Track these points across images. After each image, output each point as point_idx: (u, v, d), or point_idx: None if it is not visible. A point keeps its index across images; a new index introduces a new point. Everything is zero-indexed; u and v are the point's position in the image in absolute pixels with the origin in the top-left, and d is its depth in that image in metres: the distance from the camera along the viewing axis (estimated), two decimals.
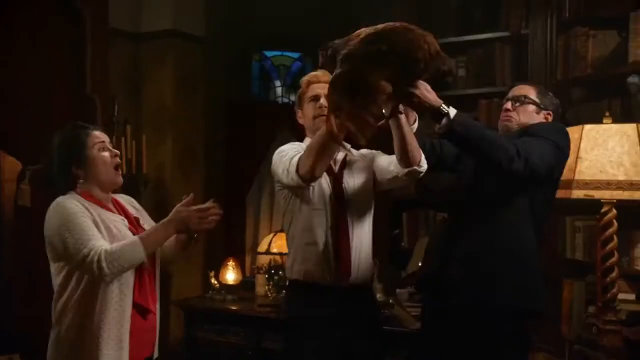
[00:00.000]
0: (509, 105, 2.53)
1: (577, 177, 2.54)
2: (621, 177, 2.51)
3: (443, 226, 2.58)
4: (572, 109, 3.55)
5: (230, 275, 3.75)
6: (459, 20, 4.06)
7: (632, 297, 2.94)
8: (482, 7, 4.01)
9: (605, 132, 2.58)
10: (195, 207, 2.13)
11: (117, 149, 3.66)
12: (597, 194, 2.55)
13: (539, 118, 2.49)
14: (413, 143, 2.24)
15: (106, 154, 2.19)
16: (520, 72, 3.79)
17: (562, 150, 2.37)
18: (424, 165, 2.31)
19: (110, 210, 2.22)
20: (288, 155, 2.36)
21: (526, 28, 3.72)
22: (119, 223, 2.18)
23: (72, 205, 2.10)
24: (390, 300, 3.12)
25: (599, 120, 2.76)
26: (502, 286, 2.33)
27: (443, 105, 2.15)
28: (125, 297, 2.12)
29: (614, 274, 2.66)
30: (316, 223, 2.40)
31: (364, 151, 2.53)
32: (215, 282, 3.67)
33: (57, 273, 2.16)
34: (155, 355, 2.29)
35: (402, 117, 2.18)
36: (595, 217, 2.74)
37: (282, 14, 4.44)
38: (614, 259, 2.65)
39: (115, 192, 2.32)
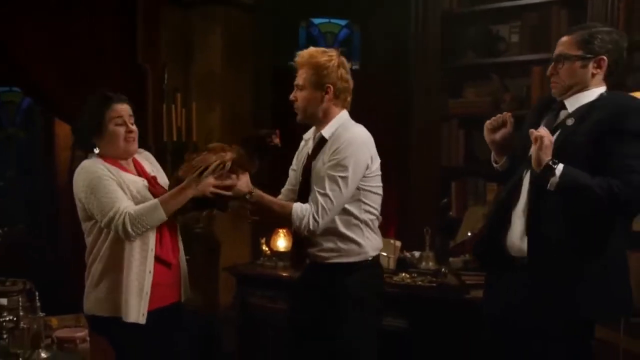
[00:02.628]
0: (551, 68, 2.29)
1: None
2: None
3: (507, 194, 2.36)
4: (634, 75, 3.42)
5: (282, 242, 3.76)
6: None
7: None
8: None
9: None
10: (210, 177, 2.23)
11: (168, 117, 3.79)
12: None
13: (588, 72, 2.22)
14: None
15: (121, 129, 2.32)
16: None
17: None
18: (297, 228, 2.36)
19: (131, 172, 2.35)
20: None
21: None
22: (139, 184, 2.32)
23: (96, 168, 2.25)
24: (443, 269, 3.09)
25: None
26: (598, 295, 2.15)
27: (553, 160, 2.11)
28: (147, 252, 2.26)
29: None
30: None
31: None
32: (267, 249, 3.70)
33: (88, 232, 2.36)
34: (183, 298, 2.46)
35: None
36: None
37: None
38: None
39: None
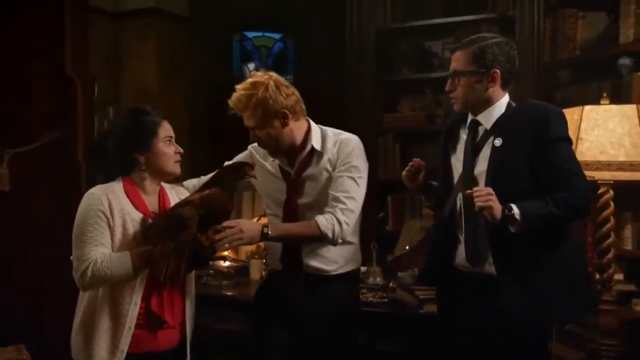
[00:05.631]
0: (449, 85, 2.29)
1: (578, 158, 2.49)
2: (622, 158, 2.51)
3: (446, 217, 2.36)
4: (560, 91, 3.57)
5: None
6: (445, 1, 4.04)
7: (620, 277, 2.98)
8: None
9: (606, 113, 2.57)
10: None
11: (99, 132, 3.62)
12: (598, 175, 2.54)
13: (484, 85, 2.23)
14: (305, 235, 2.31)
15: (172, 148, 2.17)
16: None
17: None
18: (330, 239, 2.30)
19: (142, 210, 2.13)
20: None
21: (513, 9, 3.73)
22: (140, 225, 2.11)
23: (95, 201, 2.05)
24: (391, 284, 3.08)
25: (588, 103, 2.75)
26: (558, 302, 2.18)
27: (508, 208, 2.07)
28: (129, 306, 2.05)
29: (610, 255, 2.67)
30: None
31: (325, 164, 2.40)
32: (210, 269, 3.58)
33: None
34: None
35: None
36: None
37: None
38: (610, 240, 2.67)
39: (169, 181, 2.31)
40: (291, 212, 2.39)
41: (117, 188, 2.11)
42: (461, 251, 2.30)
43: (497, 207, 2.06)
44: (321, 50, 4.55)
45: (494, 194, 2.06)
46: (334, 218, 2.27)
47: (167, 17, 3.98)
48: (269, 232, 2.21)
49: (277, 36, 4.88)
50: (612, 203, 2.66)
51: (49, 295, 3.25)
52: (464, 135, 2.34)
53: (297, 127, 2.38)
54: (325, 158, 2.39)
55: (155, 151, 2.13)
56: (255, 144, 2.49)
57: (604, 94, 2.74)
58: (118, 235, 2.06)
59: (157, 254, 2.00)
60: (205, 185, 2.20)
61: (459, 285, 2.31)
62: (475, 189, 2.11)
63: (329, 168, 2.38)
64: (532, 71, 3.56)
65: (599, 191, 2.66)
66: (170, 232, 2.02)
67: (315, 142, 2.39)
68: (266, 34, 4.85)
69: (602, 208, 2.66)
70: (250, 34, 4.82)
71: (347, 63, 4.13)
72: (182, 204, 2.11)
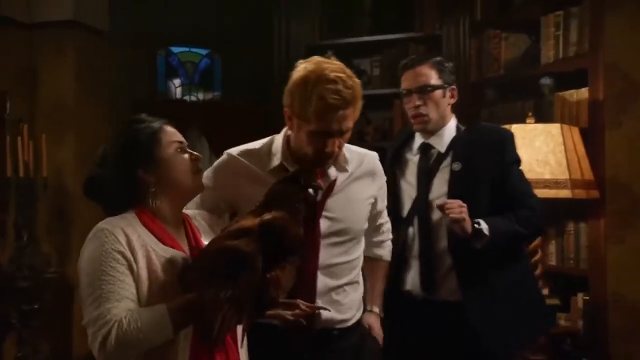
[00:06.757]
0: (416, 100, 2.14)
1: None
2: (547, 176, 2.57)
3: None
4: (486, 110, 3.64)
5: None
6: (373, 20, 4.07)
7: (545, 292, 3.03)
8: (396, 8, 4.05)
9: (531, 132, 2.62)
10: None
11: (12, 150, 3.39)
12: None
13: (446, 101, 2.16)
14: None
15: (186, 156, 1.64)
16: None
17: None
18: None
19: (170, 243, 1.59)
20: None
21: (440, 29, 3.79)
22: (172, 265, 1.56)
23: (108, 239, 1.51)
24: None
25: (513, 120, 2.79)
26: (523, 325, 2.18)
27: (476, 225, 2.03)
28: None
29: (538, 271, 2.72)
30: None
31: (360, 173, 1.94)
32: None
33: None
34: None
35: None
36: None
37: (190, 7, 4.25)
38: (537, 257, 2.71)
39: None
40: (316, 244, 1.84)
41: (131, 220, 1.57)
42: (413, 277, 2.21)
43: (469, 220, 2.01)
44: (249, 66, 4.48)
45: (466, 207, 2.01)
46: (389, 244, 2.13)
47: (86, 30, 3.78)
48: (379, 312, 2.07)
49: (203, 52, 4.77)
50: None
51: None
52: (412, 158, 2.25)
53: None
54: (352, 173, 1.91)
55: (163, 163, 1.59)
56: (238, 148, 1.96)
57: (529, 113, 2.79)
58: (144, 281, 1.51)
59: (206, 306, 1.45)
60: (260, 208, 1.58)
61: (409, 311, 2.22)
62: (446, 200, 2.04)
63: (362, 188, 1.93)
64: (459, 89, 3.60)
65: None
66: (223, 275, 1.47)
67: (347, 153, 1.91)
68: (192, 49, 4.73)
69: None
70: (175, 49, 4.69)
71: (275, 79, 4.09)
72: (236, 234, 1.52)
